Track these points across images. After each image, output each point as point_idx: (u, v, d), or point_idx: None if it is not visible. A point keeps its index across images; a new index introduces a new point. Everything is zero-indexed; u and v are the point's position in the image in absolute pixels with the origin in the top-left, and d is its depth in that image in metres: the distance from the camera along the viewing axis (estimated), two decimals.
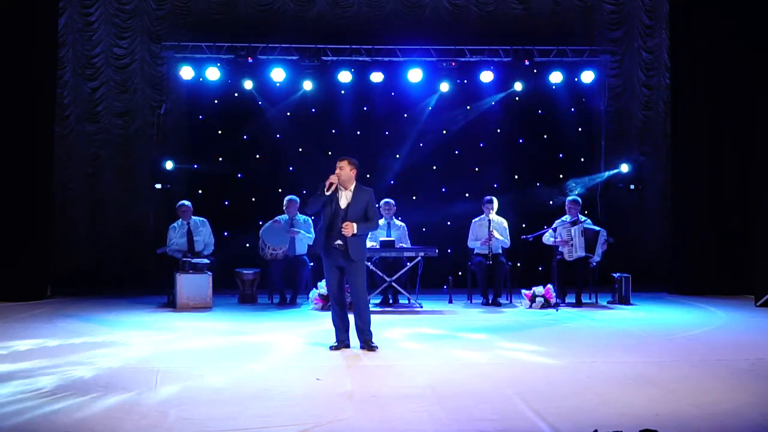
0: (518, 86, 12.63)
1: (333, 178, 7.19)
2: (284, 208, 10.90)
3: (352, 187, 7.30)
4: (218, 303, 10.44)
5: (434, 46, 12.31)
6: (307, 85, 12.44)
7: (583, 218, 10.81)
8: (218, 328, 8.65)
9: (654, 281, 11.96)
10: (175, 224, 10.89)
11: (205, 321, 9.20)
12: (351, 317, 7.41)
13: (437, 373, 6.37)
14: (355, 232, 7.12)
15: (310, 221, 10.90)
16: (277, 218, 10.80)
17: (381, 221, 10.86)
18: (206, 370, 6.42)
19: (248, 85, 12.38)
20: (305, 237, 10.79)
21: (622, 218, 12.86)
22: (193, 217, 10.92)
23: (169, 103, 12.58)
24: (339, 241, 7.16)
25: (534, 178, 12.91)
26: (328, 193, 7.18)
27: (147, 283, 11.66)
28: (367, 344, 7.23)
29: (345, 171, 7.25)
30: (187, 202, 10.97)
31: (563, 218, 10.79)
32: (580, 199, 10.97)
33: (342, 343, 7.31)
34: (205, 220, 10.99)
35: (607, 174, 12.62)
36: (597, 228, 10.63)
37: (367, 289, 10.34)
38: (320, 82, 12.51)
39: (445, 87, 12.56)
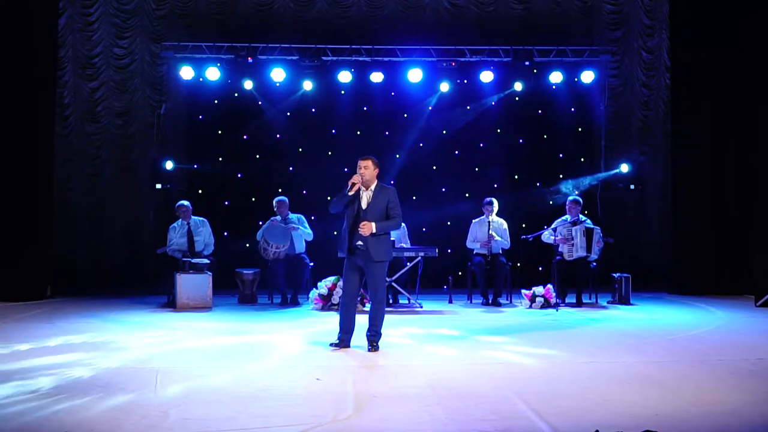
0: (518, 86, 12.63)
1: (356, 179, 7.17)
2: (275, 209, 10.91)
3: (374, 187, 7.28)
4: (218, 303, 10.44)
5: (434, 46, 12.31)
6: (307, 85, 12.45)
7: (583, 218, 10.82)
8: (218, 328, 8.65)
9: (654, 281, 11.97)
10: (175, 224, 10.89)
11: (205, 321, 9.20)
12: (358, 318, 7.42)
13: (437, 373, 6.37)
14: (374, 231, 7.09)
15: (303, 218, 10.93)
16: (272, 219, 10.83)
17: None
18: (206, 370, 6.42)
19: (248, 85, 12.39)
20: (303, 233, 10.81)
21: (622, 218, 12.87)
22: (193, 217, 10.92)
23: (169, 103, 12.58)
24: (360, 242, 7.15)
25: (534, 178, 12.92)
26: (351, 194, 7.17)
27: (147, 283, 11.66)
28: (374, 345, 7.23)
29: (369, 170, 7.23)
30: (186, 203, 10.97)
31: (563, 218, 10.79)
32: (581, 199, 10.97)
33: (342, 342, 7.29)
34: (205, 220, 10.99)
35: (603, 175, 12.60)
36: (592, 226, 10.64)
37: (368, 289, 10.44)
38: (320, 82, 12.51)
39: (445, 87, 12.56)
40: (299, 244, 10.83)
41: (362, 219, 7.14)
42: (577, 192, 12.18)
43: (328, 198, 7.31)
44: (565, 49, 12.35)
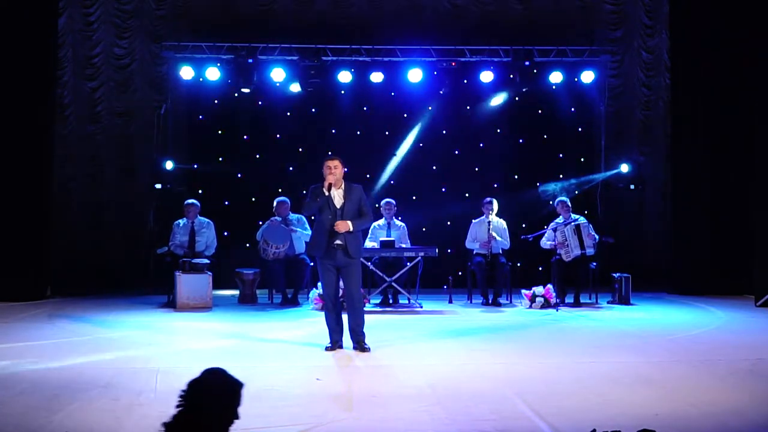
0: (524, 89, 12.58)
1: (330, 178, 7.20)
2: (274, 210, 10.92)
3: (342, 186, 7.32)
4: (218, 303, 10.44)
5: (434, 46, 12.29)
6: (294, 88, 12.22)
7: (575, 217, 10.80)
8: (218, 328, 8.65)
9: (654, 281, 11.95)
10: (180, 221, 10.93)
11: (205, 321, 9.20)
12: (344, 317, 7.44)
13: (437, 373, 6.37)
14: (350, 229, 7.16)
15: (304, 219, 10.93)
16: (271, 219, 10.84)
17: (381, 221, 10.89)
18: None
19: (248, 85, 12.35)
20: (302, 234, 10.81)
21: (622, 218, 12.86)
22: (199, 217, 10.93)
23: (169, 103, 12.54)
24: (338, 241, 7.18)
25: (534, 178, 12.88)
26: (328, 194, 7.19)
27: (147, 283, 11.64)
28: (360, 345, 7.25)
29: (339, 169, 7.28)
30: (194, 201, 10.99)
31: (558, 219, 10.81)
32: (569, 201, 10.98)
33: (336, 344, 7.32)
34: (210, 222, 10.99)
35: (598, 176, 12.57)
36: (579, 221, 10.61)
37: (368, 289, 10.46)
38: (320, 82, 12.48)
39: (445, 87, 12.54)
40: (299, 245, 10.82)
41: (340, 218, 7.18)
42: (577, 192, 12.18)
43: (317, 199, 7.31)
44: (565, 49, 12.33)
